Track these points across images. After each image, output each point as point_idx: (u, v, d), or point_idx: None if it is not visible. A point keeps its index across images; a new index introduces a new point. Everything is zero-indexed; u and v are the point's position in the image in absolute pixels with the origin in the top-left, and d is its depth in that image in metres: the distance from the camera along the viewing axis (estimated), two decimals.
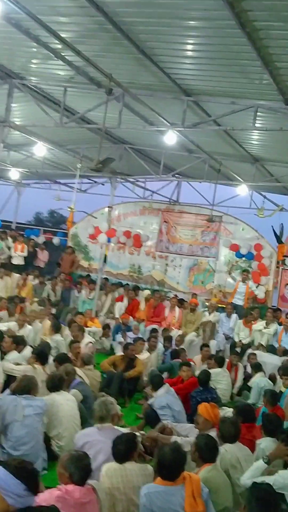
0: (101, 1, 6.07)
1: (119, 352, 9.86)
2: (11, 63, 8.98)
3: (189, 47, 7.05)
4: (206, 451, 4.44)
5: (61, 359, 7.05)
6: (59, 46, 7.58)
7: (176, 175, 15.03)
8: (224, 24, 5.90)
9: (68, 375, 6.41)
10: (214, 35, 6.43)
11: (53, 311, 11.78)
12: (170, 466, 3.82)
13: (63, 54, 7.90)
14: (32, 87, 9.79)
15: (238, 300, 12.91)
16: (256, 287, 14.10)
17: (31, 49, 8.10)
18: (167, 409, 6.53)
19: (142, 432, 6.22)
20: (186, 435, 5.71)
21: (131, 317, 12.43)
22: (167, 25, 6.43)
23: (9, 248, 15.26)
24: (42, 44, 7.58)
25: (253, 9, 5.49)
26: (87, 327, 10.60)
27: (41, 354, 6.81)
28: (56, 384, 5.79)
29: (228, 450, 4.82)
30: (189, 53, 7.26)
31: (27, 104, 10.54)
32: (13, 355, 7.35)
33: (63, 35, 6.99)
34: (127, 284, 15.14)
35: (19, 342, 7.63)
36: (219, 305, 12.87)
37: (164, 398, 6.61)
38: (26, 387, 5.32)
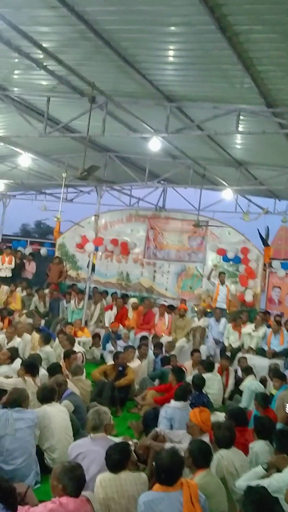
0: (82, 10, 6.06)
1: (109, 361, 9.82)
2: None
3: (171, 53, 7.07)
4: (200, 457, 4.42)
5: (53, 370, 7.00)
6: (41, 56, 7.56)
7: (162, 181, 15.06)
8: (204, 29, 5.92)
9: (60, 386, 6.36)
10: (195, 40, 6.46)
11: (42, 322, 11.71)
12: (168, 470, 3.81)
13: (45, 64, 7.87)
14: (15, 98, 9.73)
15: (221, 304, 12.91)
16: (244, 290, 14.15)
17: (13, 59, 8.04)
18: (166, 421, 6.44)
19: (135, 440, 6.19)
20: (179, 441, 5.68)
21: (120, 325, 12.39)
22: (148, 32, 6.45)
23: None
24: (24, 54, 7.54)
25: (233, 13, 5.52)
26: (76, 337, 10.54)
27: (31, 366, 6.77)
28: (47, 396, 5.75)
29: (224, 457, 4.79)
30: (171, 59, 7.28)
31: (10, 115, 10.49)
32: (2, 368, 7.28)
33: (44, 44, 6.98)
34: (115, 292, 15.09)
35: (12, 355, 7.59)
36: (208, 310, 12.88)
37: (172, 411, 6.45)
38: (17, 400, 5.27)
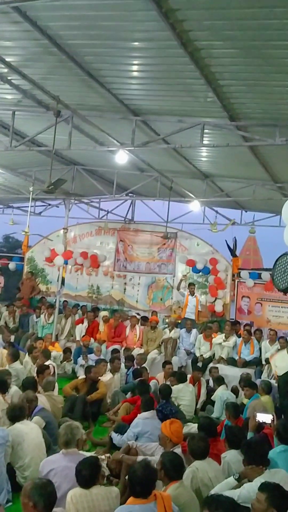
0: (45, 25, 6.09)
1: (81, 375, 9.74)
2: None
3: (134, 67, 7.15)
4: (172, 469, 4.42)
5: (29, 384, 6.90)
6: (5, 70, 7.53)
7: (130, 194, 15.12)
8: (166, 44, 6.01)
9: (30, 402, 6.26)
10: (157, 55, 6.55)
11: (12, 338, 11.53)
12: (141, 483, 3.80)
13: (9, 78, 7.83)
14: None
15: (191, 314, 12.98)
16: (214, 300, 14.27)
17: None
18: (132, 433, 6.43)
19: (107, 454, 6.14)
20: (151, 454, 5.66)
21: (92, 338, 12.32)
22: (112, 47, 6.50)
23: None
24: None
25: (193, 29, 5.63)
26: None
27: (0, 383, 6.63)
28: (17, 415, 5.65)
29: (199, 468, 4.79)
30: (135, 74, 7.36)
31: None
32: None
33: (8, 59, 6.96)
34: (85, 305, 14.99)
35: None
36: (179, 321, 12.93)
37: (142, 423, 6.43)
38: None
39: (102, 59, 6.90)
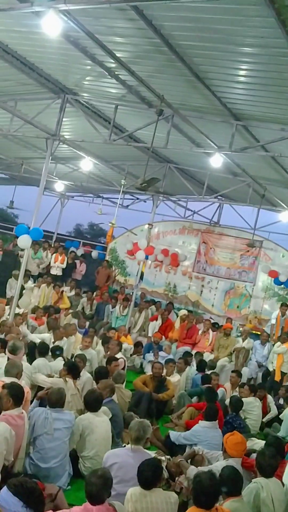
0: (159, 24, 6.14)
1: (148, 371, 9.79)
2: (66, 79, 9.19)
3: (242, 72, 7.05)
4: (230, 484, 4.31)
5: (101, 374, 7.00)
6: (114, 65, 7.72)
7: (219, 197, 14.96)
8: (280, 52, 5.87)
9: (108, 393, 6.35)
10: (268, 62, 6.41)
11: (87, 324, 11.83)
12: (208, 493, 3.77)
13: (117, 73, 8.03)
14: (83, 103, 9.98)
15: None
16: None
17: (86, 66, 8.27)
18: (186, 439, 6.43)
19: (167, 456, 6.11)
20: (216, 461, 5.57)
21: (163, 336, 12.35)
22: (222, 50, 6.46)
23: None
24: (98, 62, 7.74)
25: None
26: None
27: (73, 368, 6.78)
28: (94, 405, 5.65)
29: (264, 486, 4.60)
30: (242, 79, 7.25)
31: (77, 119, 10.76)
32: (39, 361, 7.39)
33: (118, 54, 7.13)
34: (159, 302, 15.01)
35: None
36: (254, 332, 12.62)
37: (202, 432, 6.39)
38: (57, 401, 5.32)
39: (211, 62, 6.86)
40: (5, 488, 3.37)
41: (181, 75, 7.45)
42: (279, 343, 11.00)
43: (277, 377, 10.46)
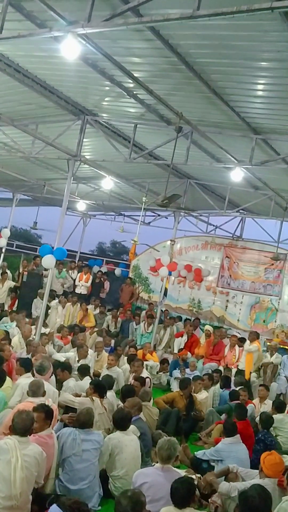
0: (176, 43, 6.22)
1: (175, 388, 9.70)
2: (85, 100, 9.34)
3: (260, 87, 7.07)
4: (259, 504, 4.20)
5: (127, 392, 6.96)
6: (132, 85, 7.83)
7: (241, 211, 14.90)
8: None
9: (137, 410, 6.30)
10: (286, 75, 6.41)
11: (112, 342, 11.82)
12: (257, 510, 3.68)
13: (135, 92, 8.14)
14: (103, 123, 10.12)
15: None
16: None
17: (104, 87, 8.40)
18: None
19: (198, 475, 6.02)
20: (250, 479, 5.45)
21: (189, 353, 12.25)
22: (239, 66, 6.49)
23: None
24: (116, 83, 7.85)
25: None
26: (145, 360, 10.52)
27: (100, 387, 6.75)
28: (122, 424, 5.62)
29: None
30: (260, 93, 7.27)
31: (98, 139, 10.90)
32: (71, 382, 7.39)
33: (136, 74, 7.22)
34: (188, 319, 14.93)
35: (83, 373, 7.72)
36: (281, 346, 12.43)
37: (226, 448, 6.31)
38: (86, 421, 5.28)
39: (228, 78, 6.90)
40: (55, 507, 3.35)
41: (199, 92, 7.50)
42: None
43: None
